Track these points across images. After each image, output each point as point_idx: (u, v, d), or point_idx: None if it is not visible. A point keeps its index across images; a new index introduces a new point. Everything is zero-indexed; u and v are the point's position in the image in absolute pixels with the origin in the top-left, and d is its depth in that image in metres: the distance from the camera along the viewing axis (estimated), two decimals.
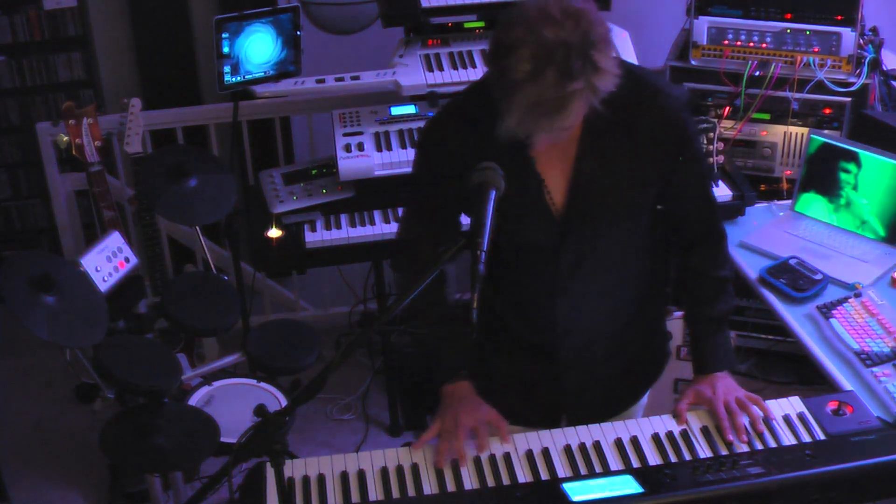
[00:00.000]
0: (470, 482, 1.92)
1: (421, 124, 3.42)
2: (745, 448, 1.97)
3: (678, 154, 1.98)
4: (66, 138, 3.18)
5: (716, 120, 3.53)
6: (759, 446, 1.97)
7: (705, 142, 3.14)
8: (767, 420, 2.03)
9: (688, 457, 1.96)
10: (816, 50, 3.52)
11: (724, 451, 1.96)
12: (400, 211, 3.34)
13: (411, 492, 1.91)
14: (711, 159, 3.15)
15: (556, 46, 1.68)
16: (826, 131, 3.50)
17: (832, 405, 2.06)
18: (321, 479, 1.94)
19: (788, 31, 3.54)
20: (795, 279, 2.89)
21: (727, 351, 2.17)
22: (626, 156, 1.94)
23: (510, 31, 1.72)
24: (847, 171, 3.15)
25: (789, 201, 3.35)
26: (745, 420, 2.02)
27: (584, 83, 1.70)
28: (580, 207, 1.96)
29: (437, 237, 1.97)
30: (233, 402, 2.95)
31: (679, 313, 3.25)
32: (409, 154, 3.31)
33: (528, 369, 2.17)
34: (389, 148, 3.34)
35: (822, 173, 3.21)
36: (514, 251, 2.04)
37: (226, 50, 3.34)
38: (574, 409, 2.17)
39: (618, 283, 2.11)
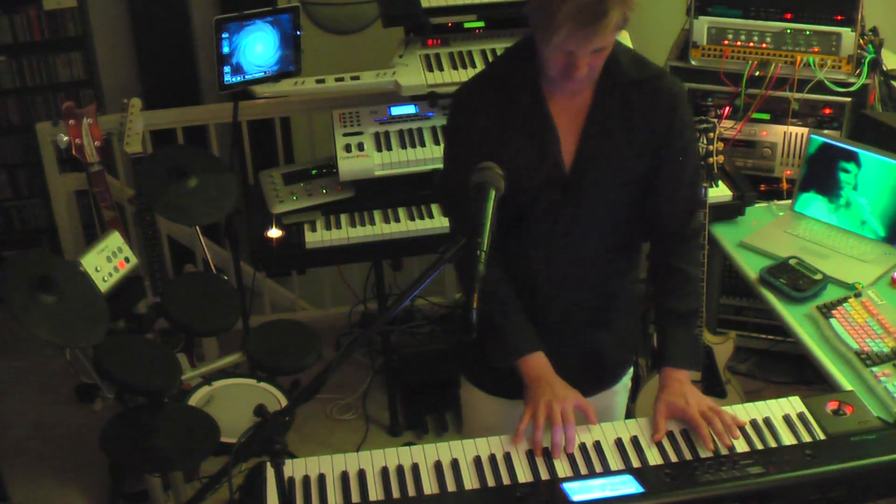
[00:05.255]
0: (470, 482, 1.92)
1: (421, 124, 3.42)
2: (745, 448, 1.97)
3: (668, 138, 2.10)
4: (66, 138, 3.17)
5: (716, 120, 3.53)
6: (759, 446, 1.97)
7: (705, 142, 3.14)
8: (740, 426, 2.03)
9: (688, 457, 1.96)
10: (816, 50, 3.52)
11: (724, 452, 1.96)
12: (399, 211, 3.34)
13: (411, 492, 1.90)
14: (711, 159, 3.15)
15: None
16: (826, 131, 3.50)
17: (832, 405, 2.06)
18: (321, 479, 1.94)
19: (788, 31, 3.54)
20: (795, 279, 2.89)
21: (693, 350, 2.19)
22: (626, 127, 2.08)
23: None
24: (847, 171, 3.15)
25: (789, 201, 3.35)
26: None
27: None
28: (583, 166, 2.09)
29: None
30: (233, 402, 2.94)
31: None
32: (409, 154, 3.32)
33: None
34: (389, 148, 3.34)
35: (822, 173, 3.21)
36: (519, 209, 2.10)
37: (226, 50, 3.33)
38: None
39: (604, 254, 2.18)
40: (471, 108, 2.12)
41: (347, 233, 3.29)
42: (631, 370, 2.42)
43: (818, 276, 2.89)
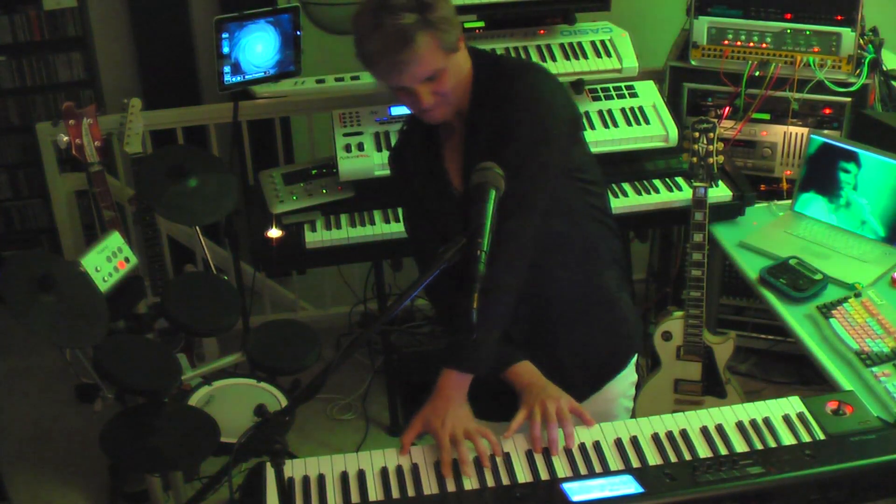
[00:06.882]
0: (470, 482, 1.92)
1: None
2: (745, 448, 1.97)
3: (505, 120, 2.03)
4: (66, 138, 3.17)
5: (716, 120, 3.53)
6: (759, 446, 1.97)
7: (705, 142, 3.14)
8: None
9: (688, 457, 1.96)
10: (816, 50, 3.52)
11: (724, 451, 1.96)
12: (399, 211, 3.34)
13: (411, 492, 1.91)
14: (711, 159, 3.15)
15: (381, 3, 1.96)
16: (826, 131, 3.50)
17: (832, 405, 2.06)
18: (321, 479, 1.94)
19: (788, 31, 3.54)
20: (795, 279, 2.89)
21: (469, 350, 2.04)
22: (498, 137, 2.05)
23: (355, 23, 2.00)
24: (847, 171, 3.15)
25: (789, 201, 3.35)
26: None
27: (417, 17, 1.92)
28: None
29: (442, 234, 2.11)
30: (233, 402, 2.94)
31: (679, 313, 3.26)
32: None
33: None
34: (389, 148, 3.34)
35: (822, 173, 3.21)
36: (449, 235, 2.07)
37: (226, 50, 3.33)
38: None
39: (537, 259, 2.07)
40: (402, 156, 2.27)
41: (347, 233, 3.29)
42: (626, 372, 2.36)
43: (818, 276, 2.89)
